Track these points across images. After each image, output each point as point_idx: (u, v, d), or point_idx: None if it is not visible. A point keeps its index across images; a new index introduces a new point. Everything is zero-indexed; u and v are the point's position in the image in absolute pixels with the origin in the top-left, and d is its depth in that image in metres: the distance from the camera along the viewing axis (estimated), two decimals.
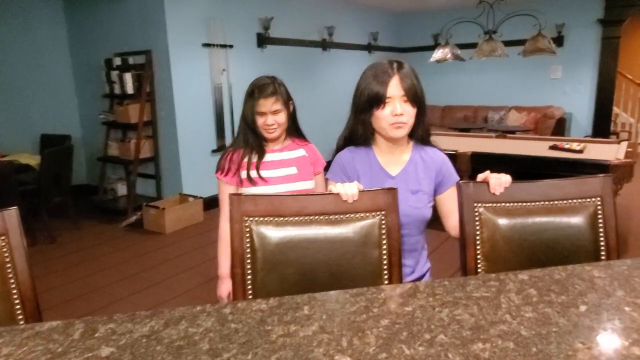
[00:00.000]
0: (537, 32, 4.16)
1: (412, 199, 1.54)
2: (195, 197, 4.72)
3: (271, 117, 1.76)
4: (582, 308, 0.90)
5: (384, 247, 1.39)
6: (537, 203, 1.49)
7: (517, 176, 1.55)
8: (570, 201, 1.49)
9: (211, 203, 4.64)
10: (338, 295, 0.99)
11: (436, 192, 1.59)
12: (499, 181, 1.44)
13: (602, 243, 1.48)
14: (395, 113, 1.43)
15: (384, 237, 1.39)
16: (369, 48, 7.41)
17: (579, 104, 6.91)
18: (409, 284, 1.06)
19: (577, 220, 1.48)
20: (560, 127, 6.41)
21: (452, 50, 4.55)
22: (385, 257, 1.39)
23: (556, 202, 1.49)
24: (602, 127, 6.68)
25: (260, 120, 1.78)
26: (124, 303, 3.11)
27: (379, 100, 1.44)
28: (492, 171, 1.48)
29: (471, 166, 3.92)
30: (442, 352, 0.77)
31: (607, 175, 1.51)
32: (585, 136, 6.53)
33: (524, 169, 3.75)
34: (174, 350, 0.79)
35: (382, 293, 1.01)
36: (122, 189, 5.18)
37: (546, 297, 0.95)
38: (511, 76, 7.41)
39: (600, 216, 1.49)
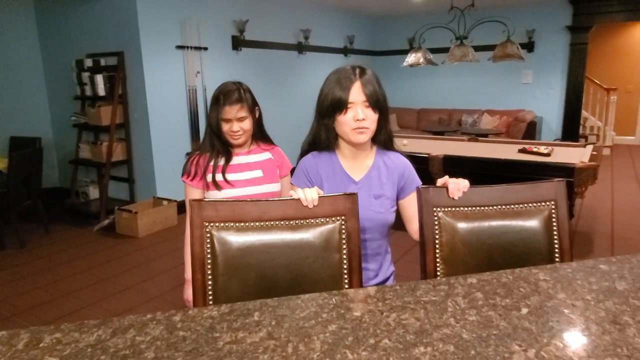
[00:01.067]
0: (506, 38, 4.26)
1: (375, 204, 1.56)
2: (169, 200, 4.67)
3: (236, 123, 1.77)
4: (524, 311, 0.94)
5: (344, 251, 1.40)
6: (494, 207, 1.52)
7: (486, 179, 1.58)
8: (525, 205, 1.54)
9: (185, 207, 4.60)
10: (289, 301, 1.01)
11: (399, 196, 1.62)
12: (457, 186, 1.47)
13: (556, 245, 1.53)
14: (357, 118, 1.45)
15: (344, 241, 1.40)
16: (345, 51, 7.46)
17: (549, 108, 7.10)
18: (361, 289, 1.08)
19: (532, 223, 1.52)
20: (531, 130, 6.56)
21: (424, 55, 4.62)
22: (345, 261, 1.41)
23: (512, 206, 1.53)
24: (571, 131, 6.87)
25: (225, 127, 1.79)
26: (94, 308, 3.06)
27: (341, 105, 1.46)
28: (458, 175, 1.51)
29: (443, 169, 3.98)
30: (385, 356, 0.79)
31: (561, 180, 1.56)
32: (555, 139, 6.71)
33: (493, 171, 3.84)
34: (118, 359, 0.79)
35: (334, 298, 1.03)
36: (94, 193, 5.10)
37: (491, 300, 0.99)
38: (484, 80, 7.57)
39: (554, 219, 1.53)
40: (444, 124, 7.53)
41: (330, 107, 1.48)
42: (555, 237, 1.53)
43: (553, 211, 1.53)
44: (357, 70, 1.48)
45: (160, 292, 3.28)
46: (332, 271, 1.40)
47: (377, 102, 1.47)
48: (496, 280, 1.08)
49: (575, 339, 0.85)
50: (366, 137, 1.50)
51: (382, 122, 1.54)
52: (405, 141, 4.75)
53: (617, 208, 4.88)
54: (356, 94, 1.44)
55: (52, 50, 5.27)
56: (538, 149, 4.18)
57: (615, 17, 6.59)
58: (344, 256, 1.40)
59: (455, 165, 3.90)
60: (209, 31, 5.12)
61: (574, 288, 1.04)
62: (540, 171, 3.65)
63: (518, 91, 7.30)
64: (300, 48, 6.48)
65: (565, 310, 0.93)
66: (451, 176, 1.49)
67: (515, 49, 4.23)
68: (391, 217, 1.59)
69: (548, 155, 4.03)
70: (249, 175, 1.86)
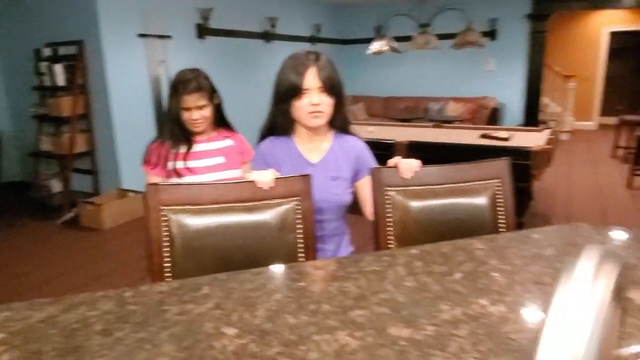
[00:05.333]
0: (467, 26, 4.36)
1: (332, 186, 1.61)
2: (135, 191, 4.62)
3: (196, 112, 1.79)
4: (457, 276, 1.01)
5: (299, 231, 1.45)
6: (444, 186, 1.60)
7: (449, 163, 1.66)
8: (472, 183, 1.62)
9: None
10: (239, 275, 1.05)
11: (355, 178, 1.67)
12: (409, 166, 1.53)
13: (501, 220, 1.62)
14: (312, 103, 1.49)
15: (299, 221, 1.45)
16: (311, 40, 7.46)
17: (511, 95, 7.30)
18: (309, 262, 1.13)
19: (479, 200, 1.61)
20: (494, 116, 6.75)
21: (389, 43, 4.68)
22: (300, 240, 1.46)
23: (460, 185, 1.62)
24: (532, 117, 7.09)
25: (185, 115, 1.80)
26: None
27: (296, 91, 1.49)
28: (423, 159, 1.57)
29: (408, 154, 4.06)
30: (323, 319, 0.85)
31: (505, 159, 1.65)
32: (517, 125, 6.91)
33: (455, 156, 3.92)
34: (67, 332, 0.82)
35: (282, 271, 1.08)
36: (57, 185, 4.99)
37: (428, 268, 1.05)
38: (449, 68, 7.71)
39: (499, 196, 1.62)
40: (411, 111, 7.65)
41: (286, 92, 1.51)
42: (501, 212, 1.62)
43: (498, 188, 1.62)
44: (312, 56, 1.51)
45: (126, 283, 3.27)
46: (288, 250, 1.45)
47: (332, 88, 1.51)
48: (436, 250, 1.15)
49: (498, 298, 0.92)
50: (321, 121, 1.54)
51: (339, 107, 1.58)
52: (371, 128, 4.82)
53: (574, 191, 5.10)
54: (311, 79, 1.48)
55: (8, 39, 5.08)
56: (498, 134, 4.31)
57: (573, 6, 6.81)
58: (299, 236, 1.45)
59: (420, 151, 3.99)
60: (173, 19, 5.05)
61: (505, 255, 1.12)
62: (499, 155, 3.73)
63: (482, 79, 7.48)
64: (267, 36, 6.45)
65: (494, 274, 1.01)
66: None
67: (476, 36, 4.34)
68: (348, 198, 1.65)
69: (507, 139, 4.17)
70: (210, 162, 1.88)
